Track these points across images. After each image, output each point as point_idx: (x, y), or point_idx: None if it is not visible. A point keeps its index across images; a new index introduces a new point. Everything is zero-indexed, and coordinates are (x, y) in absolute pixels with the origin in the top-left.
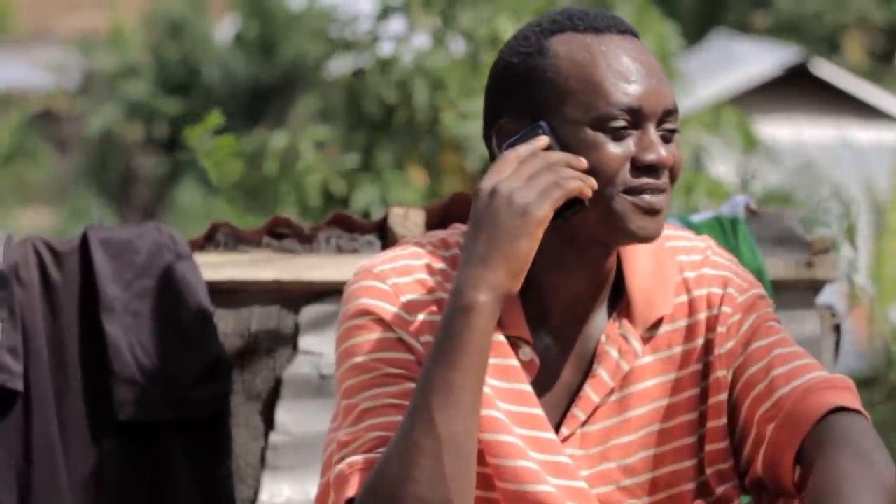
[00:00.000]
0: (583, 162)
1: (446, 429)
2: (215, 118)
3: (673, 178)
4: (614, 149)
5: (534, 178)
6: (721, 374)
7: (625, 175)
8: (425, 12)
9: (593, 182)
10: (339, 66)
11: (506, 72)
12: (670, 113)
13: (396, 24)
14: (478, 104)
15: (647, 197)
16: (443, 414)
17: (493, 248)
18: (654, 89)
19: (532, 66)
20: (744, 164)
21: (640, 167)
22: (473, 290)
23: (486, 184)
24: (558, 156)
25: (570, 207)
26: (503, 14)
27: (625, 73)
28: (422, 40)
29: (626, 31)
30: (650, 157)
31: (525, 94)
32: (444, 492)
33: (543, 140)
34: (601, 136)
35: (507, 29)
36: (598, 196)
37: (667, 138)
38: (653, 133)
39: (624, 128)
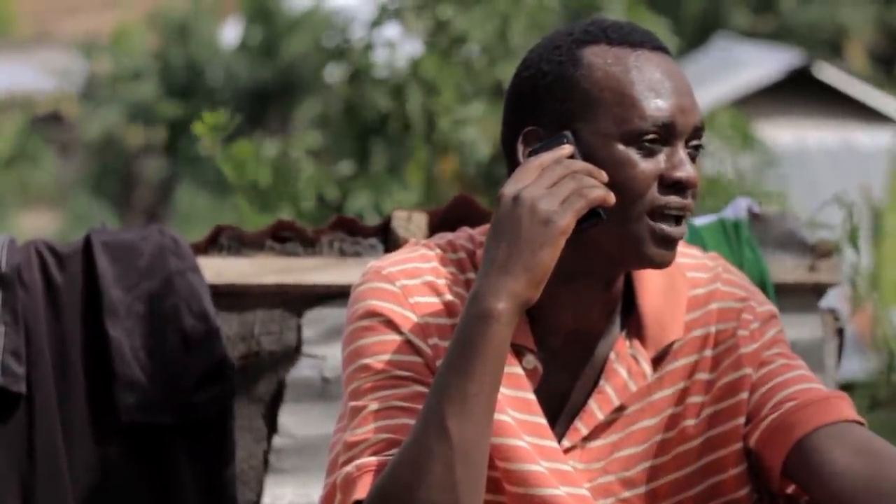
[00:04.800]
0: (603, 175)
1: (459, 436)
2: (219, 117)
3: (694, 199)
4: (645, 165)
5: (556, 187)
6: (747, 371)
7: (653, 193)
8: (418, 17)
9: (612, 195)
10: (336, 72)
11: (535, 79)
12: (698, 130)
13: (390, 31)
14: (472, 110)
15: (668, 228)
16: (456, 422)
17: (515, 257)
18: (686, 106)
19: (564, 76)
20: (740, 162)
21: (668, 185)
22: (493, 297)
23: (509, 190)
24: (580, 165)
25: (588, 220)
26: (496, 19)
27: (658, 88)
28: (415, 46)
29: (658, 47)
30: (679, 174)
31: (555, 103)
32: (454, 498)
33: (567, 149)
34: (632, 151)
35: (500, 35)
36: (621, 214)
37: (692, 156)
38: (682, 151)
39: (655, 144)
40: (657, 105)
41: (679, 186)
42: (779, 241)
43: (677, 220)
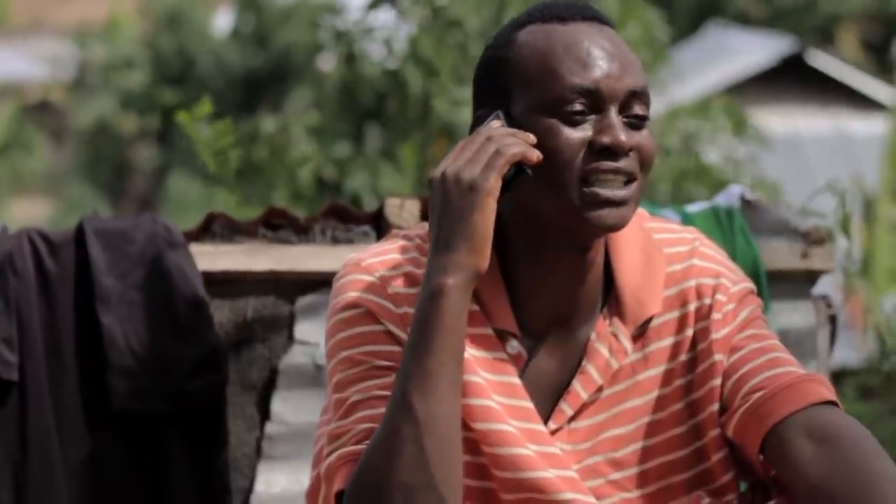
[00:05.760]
0: (530, 136)
1: (425, 414)
2: (206, 106)
3: (644, 166)
4: (570, 133)
5: (476, 154)
6: (718, 358)
7: (581, 160)
8: (413, 2)
9: (537, 152)
10: (331, 56)
11: (480, 65)
12: (636, 95)
13: (385, 15)
14: (468, 92)
15: (602, 191)
16: (420, 400)
17: (451, 230)
18: (615, 72)
19: (499, 58)
20: (734, 148)
21: (597, 151)
22: (440, 273)
23: (437, 172)
24: (501, 130)
25: (516, 178)
26: (491, 5)
27: (582, 57)
28: (411, 30)
29: (591, 17)
30: (605, 139)
31: (493, 85)
32: (428, 477)
33: (495, 124)
34: (556, 121)
35: (496, 20)
36: (554, 184)
37: (635, 125)
38: (613, 117)
39: (580, 112)
40: (579, 73)
41: (609, 152)
42: (772, 228)
43: (616, 185)
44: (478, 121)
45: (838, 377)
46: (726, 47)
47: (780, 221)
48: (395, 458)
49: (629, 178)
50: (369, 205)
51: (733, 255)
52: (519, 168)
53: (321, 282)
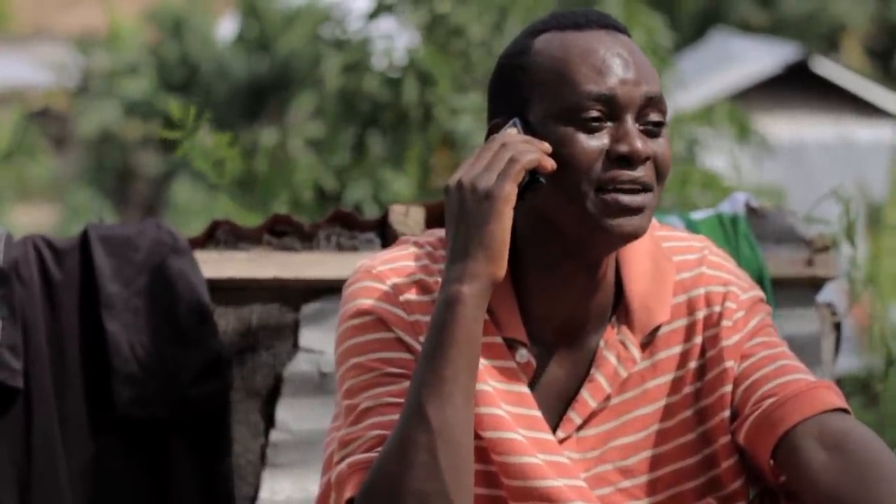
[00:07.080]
0: (545, 144)
1: (439, 422)
2: (204, 117)
3: (660, 175)
4: (586, 142)
5: (492, 162)
6: (729, 364)
7: (597, 169)
8: (414, 10)
9: (551, 160)
10: (332, 64)
11: (496, 74)
12: (652, 102)
13: (387, 23)
14: (469, 100)
15: (620, 197)
16: (435, 407)
17: (468, 238)
18: (631, 80)
19: (515, 66)
20: (737, 154)
21: (614, 159)
22: (457, 282)
23: (453, 180)
24: (516, 137)
25: (530, 186)
26: (493, 12)
27: (598, 64)
28: (412, 38)
29: (608, 25)
30: (622, 148)
31: (510, 93)
32: (441, 485)
33: (511, 132)
34: (572, 129)
35: (497, 27)
36: (572, 193)
37: (651, 133)
38: (629, 124)
39: (597, 119)
40: (594, 80)
41: (626, 160)
42: (776, 235)
43: (634, 192)
44: (494, 129)
45: (842, 384)
46: (731, 54)
47: (784, 228)
48: (409, 465)
49: (645, 188)
50: (370, 214)
51: (738, 263)
52: (533, 176)
53: (326, 289)
